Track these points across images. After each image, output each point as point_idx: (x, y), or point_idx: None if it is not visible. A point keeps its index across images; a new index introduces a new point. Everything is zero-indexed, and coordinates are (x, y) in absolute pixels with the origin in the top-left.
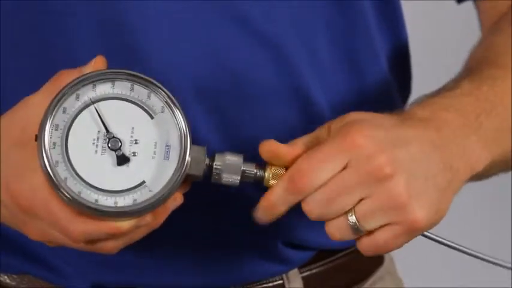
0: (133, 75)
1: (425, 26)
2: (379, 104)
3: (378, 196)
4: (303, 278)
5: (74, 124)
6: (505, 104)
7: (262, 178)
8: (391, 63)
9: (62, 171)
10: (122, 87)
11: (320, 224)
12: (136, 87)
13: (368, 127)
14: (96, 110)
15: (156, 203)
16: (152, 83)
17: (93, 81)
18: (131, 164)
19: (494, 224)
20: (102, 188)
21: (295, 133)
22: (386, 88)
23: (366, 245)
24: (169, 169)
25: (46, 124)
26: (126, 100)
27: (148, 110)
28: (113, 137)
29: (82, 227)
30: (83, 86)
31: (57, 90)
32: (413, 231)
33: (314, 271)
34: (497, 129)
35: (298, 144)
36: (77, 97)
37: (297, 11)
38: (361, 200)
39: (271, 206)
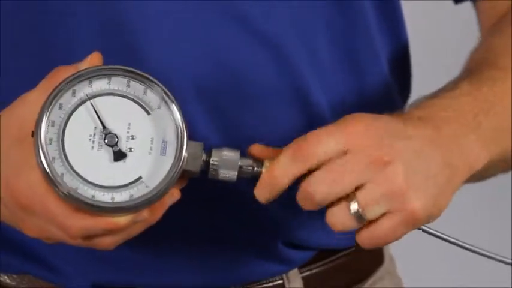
0: (129, 71)
1: (425, 26)
2: (379, 104)
3: (378, 182)
4: (303, 278)
5: (70, 120)
6: (504, 104)
7: (259, 173)
8: (391, 63)
9: (59, 167)
10: (118, 83)
11: (320, 223)
12: (132, 83)
13: (369, 119)
14: (93, 106)
15: (152, 198)
16: (148, 78)
17: (89, 77)
18: (128, 159)
19: (494, 223)
20: (99, 183)
21: (295, 133)
22: (387, 88)
23: (365, 237)
24: (166, 165)
25: (42, 120)
26: (123, 96)
27: (144, 106)
28: (110, 132)
29: (79, 223)
30: (79, 82)
31: (53, 87)
32: (411, 222)
33: (314, 271)
34: (495, 128)
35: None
36: (73, 93)
37: (297, 11)
38: (362, 187)
39: (274, 178)
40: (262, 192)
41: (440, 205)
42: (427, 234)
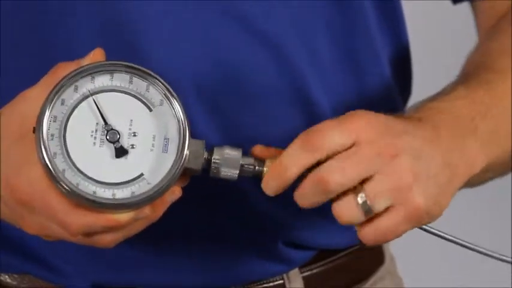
0: (132, 67)
1: (425, 26)
2: (379, 104)
3: (386, 173)
4: (304, 278)
5: (72, 116)
6: (501, 106)
7: (261, 172)
8: (392, 64)
9: (60, 163)
10: (120, 79)
11: (321, 224)
12: (135, 79)
13: (370, 115)
14: (95, 102)
15: (154, 195)
16: (150, 75)
17: (91, 73)
18: (129, 156)
19: (494, 223)
20: (100, 180)
21: (296, 133)
22: (387, 88)
23: (367, 232)
24: (168, 162)
25: (44, 115)
26: (125, 92)
27: (147, 102)
28: (111, 129)
29: (80, 220)
30: (82, 77)
31: (55, 83)
32: (414, 218)
33: (315, 271)
34: (492, 131)
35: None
36: (76, 89)
37: (297, 11)
38: (370, 178)
39: (283, 168)
40: (271, 184)
41: (440, 205)
42: (427, 235)
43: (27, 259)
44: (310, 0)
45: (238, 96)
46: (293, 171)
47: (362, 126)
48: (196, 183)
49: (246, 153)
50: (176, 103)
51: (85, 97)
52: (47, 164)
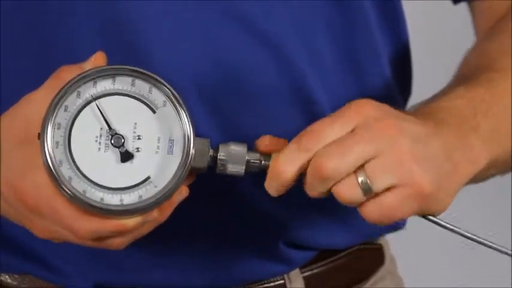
0: (135, 71)
1: (425, 26)
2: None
3: (387, 154)
4: (304, 278)
5: (76, 122)
6: (501, 104)
7: (267, 167)
8: (392, 64)
9: (66, 171)
10: (122, 82)
11: (321, 224)
12: (137, 81)
13: (373, 101)
14: (98, 107)
15: (161, 198)
16: (153, 78)
17: (94, 78)
18: (135, 160)
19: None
20: (107, 185)
21: (296, 133)
22: (387, 88)
23: (370, 210)
24: (174, 163)
25: (48, 124)
26: (128, 95)
27: (150, 104)
28: (116, 133)
29: (88, 225)
30: (84, 83)
31: (58, 86)
32: (419, 196)
33: (315, 271)
34: (493, 129)
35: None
36: (78, 94)
37: (297, 11)
38: (370, 158)
39: (279, 168)
40: (271, 185)
41: (446, 192)
42: (427, 235)
43: (27, 259)
44: (310, 0)
45: (239, 96)
46: (290, 172)
47: (363, 109)
48: (202, 176)
49: (250, 148)
50: (179, 104)
51: (88, 102)
52: (53, 172)
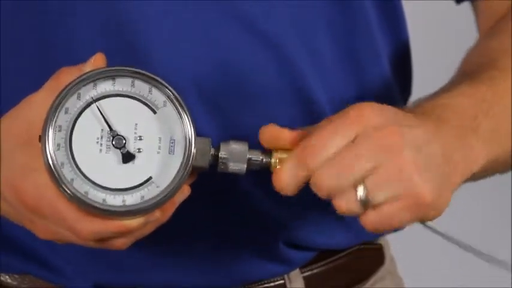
0: (135, 72)
1: (425, 26)
2: (379, 103)
3: (387, 166)
4: (304, 278)
5: (76, 124)
6: (503, 104)
7: (268, 164)
8: (392, 63)
9: (68, 173)
10: (123, 83)
11: (321, 224)
12: (137, 82)
13: (373, 104)
14: (98, 109)
15: (164, 198)
16: (154, 79)
17: (93, 80)
18: (137, 160)
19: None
20: (109, 186)
21: None
22: (387, 88)
23: (369, 219)
24: (175, 163)
25: (49, 127)
26: (128, 96)
27: (150, 104)
28: (117, 134)
29: (90, 227)
30: (84, 85)
31: (58, 88)
32: (418, 206)
33: (315, 271)
34: (493, 130)
35: (300, 129)
36: (78, 96)
37: (297, 11)
38: (370, 172)
39: (280, 183)
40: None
41: (444, 198)
42: (427, 235)
43: (27, 259)
44: (311, 0)
45: (239, 96)
46: (292, 186)
47: (364, 114)
48: (203, 176)
49: (251, 147)
50: (179, 103)
51: (88, 104)
52: (55, 174)
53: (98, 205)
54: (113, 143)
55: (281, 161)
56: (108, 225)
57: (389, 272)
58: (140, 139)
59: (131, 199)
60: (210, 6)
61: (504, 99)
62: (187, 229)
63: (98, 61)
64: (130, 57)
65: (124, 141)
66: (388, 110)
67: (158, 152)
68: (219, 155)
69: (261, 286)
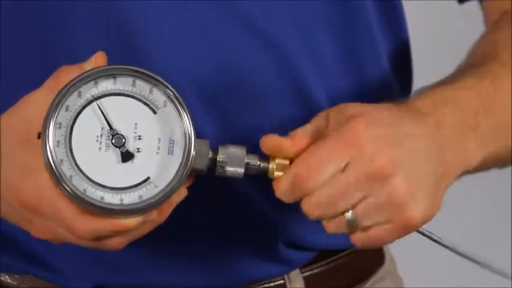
0: (136, 71)
1: (425, 26)
2: (380, 102)
3: (378, 195)
4: (304, 278)
5: (76, 122)
6: (504, 102)
7: (266, 170)
8: (393, 62)
9: (67, 170)
10: (123, 82)
11: (321, 224)
12: (138, 82)
13: (368, 124)
14: (99, 107)
15: (161, 199)
16: (155, 78)
17: (95, 78)
18: (136, 160)
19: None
20: (107, 185)
21: None
22: (388, 87)
23: (358, 239)
24: (174, 164)
25: (49, 123)
26: (129, 96)
27: (150, 105)
28: (117, 133)
29: (88, 225)
30: (85, 83)
31: (58, 87)
32: (408, 229)
33: (315, 271)
34: (493, 127)
35: (300, 135)
36: (79, 94)
37: (297, 11)
38: (360, 200)
39: (281, 195)
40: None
41: (436, 204)
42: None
43: (27, 259)
44: (311, 0)
45: (239, 96)
46: (288, 201)
47: (357, 144)
48: (201, 179)
49: (252, 147)
50: (180, 104)
51: (89, 102)
52: (54, 171)
53: (95, 202)
54: (113, 141)
55: (279, 167)
56: (105, 223)
57: (389, 272)
58: (140, 139)
59: (129, 198)
60: (210, 6)
61: (505, 95)
62: (187, 230)
63: (99, 59)
64: (130, 57)
65: (123, 140)
66: (385, 119)
67: (157, 153)
68: (217, 158)
69: (261, 286)
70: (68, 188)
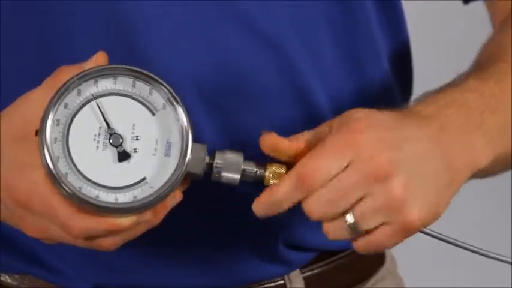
0: (135, 71)
1: (425, 26)
2: (380, 103)
3: (377, 196)
4: (305, 278)
5: (75, 119)
6: (509, 101)
7: (262, 177)
8: (393, 63)
9: (63, 167)
10: (123, 83)
11: (321, 225)
12: (138, 83)
13: (368, 125)
14: (98, 106)
15: (156, 199)
16: (154, 78)
17: (95, 77)
18: (132, 160)
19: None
20: (103, 184)
21: (297, 133)
22: (388, 87)
23: (359, 244)
24: (170, 166)
25: (48, 119)
26: (128, 96)
27: (149, 106)
28: (114, 133)
29: (82, 223)
30: (85, 81)
31: (56, 86)
32: (408, 231)
33: (315, 271)
34: (501, 126)
35: (300, 139)
36: (79, 92)
37: (297, 11)
38: (360, 200)
39: (276, 202)
40: (261, 208)
41: (439, 208)
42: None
43: (27, 260)
44: (311, 0)
45: (239, 96)
46: (284, 206)
47: (358, 144)
48: (197, 184)
49: (247, 157)
50: (179, 107)
51: (88, 101)
52: (49, 167)
53: (91, 200)
54: (110, 141)
55: (275, 175)
56: (100, 222)
57: (390, 271)
58: (137, 139)
59: (124, 197)
60: (210, 7)
61: (510, 97)
62: (188, 230)
63: (99, 59)
64: (130, 58)
65: (121, 140)
66: (386, 122)
67: (154, 154)
68: (214, 164)
69: (261, 286)
70: (63, 185)
